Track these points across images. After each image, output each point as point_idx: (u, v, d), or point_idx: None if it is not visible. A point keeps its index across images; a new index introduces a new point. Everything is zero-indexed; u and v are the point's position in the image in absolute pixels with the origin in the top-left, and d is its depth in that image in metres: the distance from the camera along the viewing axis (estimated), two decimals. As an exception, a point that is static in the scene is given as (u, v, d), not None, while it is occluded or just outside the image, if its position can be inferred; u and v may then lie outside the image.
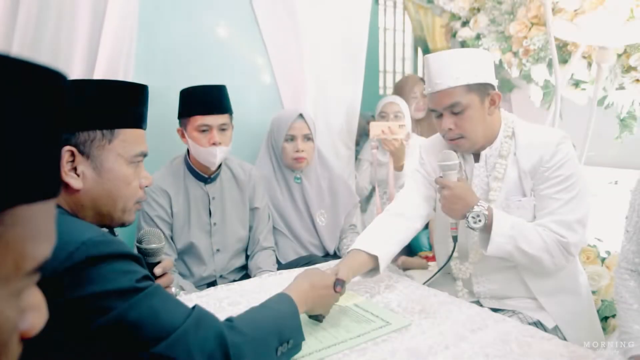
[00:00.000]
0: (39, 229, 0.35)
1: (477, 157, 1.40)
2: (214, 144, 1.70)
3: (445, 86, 1.29)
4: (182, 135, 1.78)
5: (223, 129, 1.74)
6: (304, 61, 2.28)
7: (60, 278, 0.65)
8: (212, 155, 1.71)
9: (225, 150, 1.75)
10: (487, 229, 1.27)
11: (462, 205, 1.28)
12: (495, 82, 1.35)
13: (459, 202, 1.28)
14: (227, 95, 1.77)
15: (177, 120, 1.78)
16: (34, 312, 0.36)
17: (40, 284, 0.38)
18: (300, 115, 2.00)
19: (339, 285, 1.10)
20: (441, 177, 1.34)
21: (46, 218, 0.36)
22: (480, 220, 1.26)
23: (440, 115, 1.34)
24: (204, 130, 1.71)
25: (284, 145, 1.99)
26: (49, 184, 0.36)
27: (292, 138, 1.98)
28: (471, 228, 1.28)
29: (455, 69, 1.28)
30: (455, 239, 1.37)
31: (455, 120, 1.31)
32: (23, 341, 0.36)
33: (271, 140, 2.06)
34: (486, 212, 1.26)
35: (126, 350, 0.70)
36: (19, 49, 1.54)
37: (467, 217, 1.27)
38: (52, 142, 0.36)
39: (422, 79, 2.77)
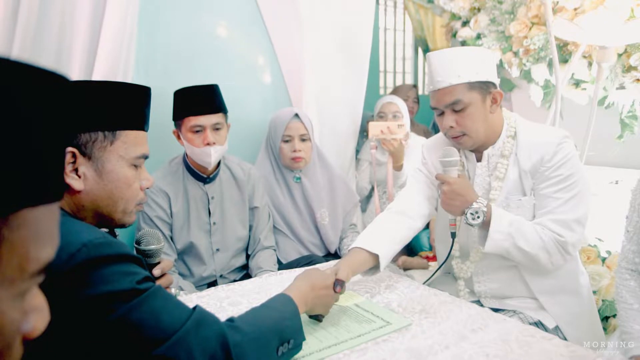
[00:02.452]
0: (43, 231, 0.35)
1: (479, 157, 1.41)
2: (208, 144, 1.70)
3: (447, 84, 1.29)
4: (178, 137, 1.78)
5: (217, 129, 1.73)
6: (307, 61, 2.28)
7: (61, 280, 0.65)
8: (207, 155, 1.71)
9: (220, 150, 1.74)
10: (485, 225, 1.28)
11: (461, 201, 1.28)
12: (497, 81, 1.35)
13: (458, 198, 1.29)
14: (220, 94, 1.76)
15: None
16: (36, 314, 0.37)
17: (41, 286, 0.38)
18: (296, 115, 2.00)
19: (338, 285, 1.11)
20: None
21: (50, 221, 0.36)
22: (478, 217, 1.26)
23: (441, 113, 1.34)
24: (197, 131, 1.70)
25: (282, 146, 2.00)
26: (53, 187, 0.36)
27: (289, 138, 1.98)
28: (469, 224, 1.28)
29: (457, 66, 1.28)
30: (453, 235, 1.37)
31: (456, 118, 1.31)
32: (25, 343, 0.36)
33: (269, 141, 2.07)
34: (485, 209, 1.27)
35: (127, 352, 0.70)
36: (19, 52, 1.54)
37: (466, 214, 1.28)
38: (56, 146, 0.36)
39: (415, 86, 3.18)
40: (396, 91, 3.04)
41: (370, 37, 2.53)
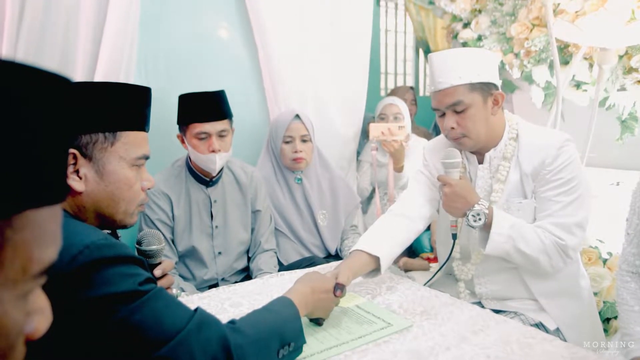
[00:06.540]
0: (46, 232, 0.35)
1: (480, 159, 1.41)
2: (213, 151, 1.69)
3: (448, 85, 1.29)
4: (182, 141, 1.77)
5: (222, 135, 1.72)
6: (308, 62, 2.28)
7: (63, 281, 0.65)
8: (212, 162, 1.71)
9: (225, 157, 1.75)
10: (486, 227, 1.28)
11: (463, 203, 1.28)
12: (498, 82, 1.35)
13: (459, 200, 1.29)
14: (226, 100, 1.76)
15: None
16: (39, 315, 0.37)
17: (44, 287, 0.38)
18: (297, 116, 2.00)
19: (338, 289, 1.11)
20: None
21: (53, 222, 0.36)
22: (480, 219, 1.26)
23: (443, 114, 1.34)
24: (202, 138, 1.70)
25: (283, 147, 2.00)
26: (56, 189, 0.36)
27: (290, 139, 1.99)
28: (471, 226, 1.28)
29: (459, 67, 1.28)
30: (454, 236, 1.37)
31: (457, 119, 1.31)
32: (28, 343, 0.36)
33: (270, 142, 2.07)
34: (486, 211, 1.26)
35: (129, 354, 0.70)
36: (23, 54, 1.55)
37: (467, 216, 1.27)
38: (58, 147, 0.36)
39: (412, 88, 3.16)
40: (393, 93, 3.03)
41: (369, 37, 2.53)
